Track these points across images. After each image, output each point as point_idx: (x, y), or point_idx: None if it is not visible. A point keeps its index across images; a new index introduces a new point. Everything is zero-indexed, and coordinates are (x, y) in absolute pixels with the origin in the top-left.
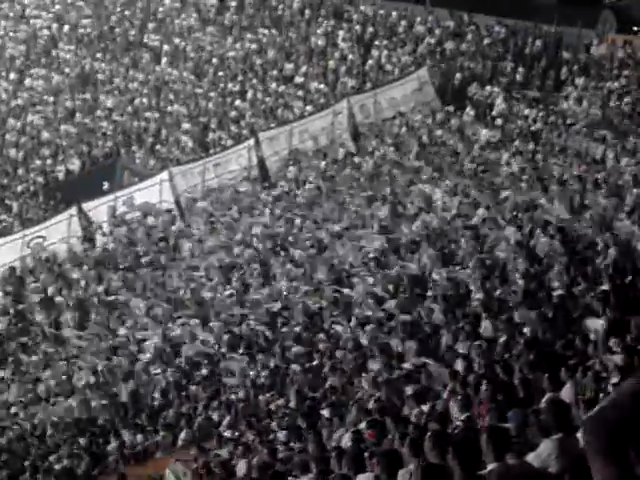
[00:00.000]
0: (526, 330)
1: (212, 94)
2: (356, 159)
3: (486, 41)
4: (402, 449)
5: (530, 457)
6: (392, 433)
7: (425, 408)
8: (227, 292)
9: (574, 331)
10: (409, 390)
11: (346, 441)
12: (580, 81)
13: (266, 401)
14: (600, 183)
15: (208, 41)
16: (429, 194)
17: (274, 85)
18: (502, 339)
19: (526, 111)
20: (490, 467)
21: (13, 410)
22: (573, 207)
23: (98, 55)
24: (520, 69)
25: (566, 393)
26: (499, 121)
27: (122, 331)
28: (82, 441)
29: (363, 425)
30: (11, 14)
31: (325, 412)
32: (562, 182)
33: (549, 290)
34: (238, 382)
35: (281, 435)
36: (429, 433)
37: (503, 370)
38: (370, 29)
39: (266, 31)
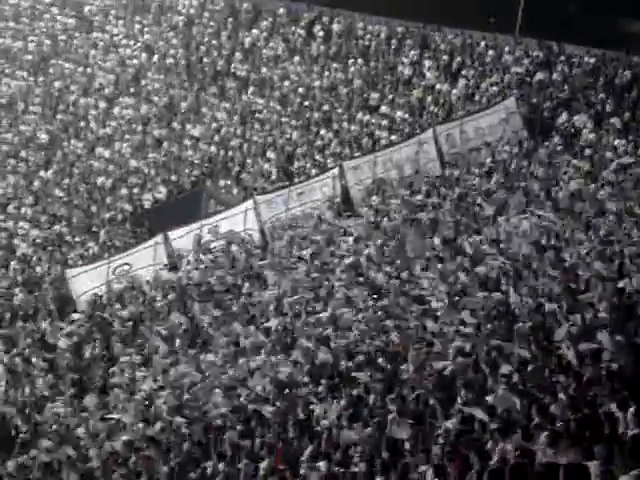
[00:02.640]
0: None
1: (297, 123)
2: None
3: (575, 71)
4: None
5: None
6: (475, 466)
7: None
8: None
9: None
10: (493, 425)
11: (430, 476)
12: None
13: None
14: None
15: (294, 71)
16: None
17: (360, 115)
18: (588, 372)
19: (615, 142)
20: None
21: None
22: None
23: (186, 84)
24: (610, 99)
25: None
26: (588, 151)
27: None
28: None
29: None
30: (101, 43)
31: (407, 445)
32: None
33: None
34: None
35: (362, 467)
36: (510, 466)
37: (588, 405)
38: (458, 58)
39: (352, 60)
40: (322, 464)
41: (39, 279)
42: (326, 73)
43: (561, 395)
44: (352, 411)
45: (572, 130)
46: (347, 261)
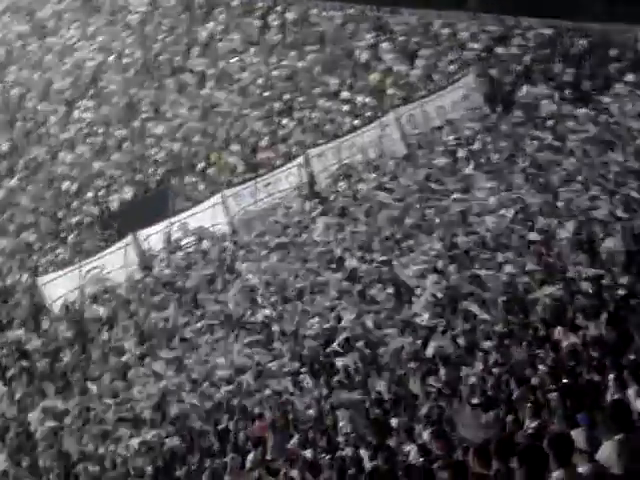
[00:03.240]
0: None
1: (258, 113)
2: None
3: (532, 43)
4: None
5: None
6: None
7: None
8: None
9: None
10: (474, 399)
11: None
12: (630, 77)
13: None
14: None
15: (252, 62)
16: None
17: (321, 101)
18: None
19: (575, 111)
20: (556, 474)
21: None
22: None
23: (144, 83)
24: (568, 70)
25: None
26: (550, 122)
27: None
28: (150, 468)
29: (426, 436)
30: (56, 48)
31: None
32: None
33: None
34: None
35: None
36: (494, 441)
37: (568, 374)
38: (414, 39)
39: (309, 47)
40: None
41: (11, 288)
42: (284, 62)
43: (541, 367)
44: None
45: (533, 102)
46: (320, 248)
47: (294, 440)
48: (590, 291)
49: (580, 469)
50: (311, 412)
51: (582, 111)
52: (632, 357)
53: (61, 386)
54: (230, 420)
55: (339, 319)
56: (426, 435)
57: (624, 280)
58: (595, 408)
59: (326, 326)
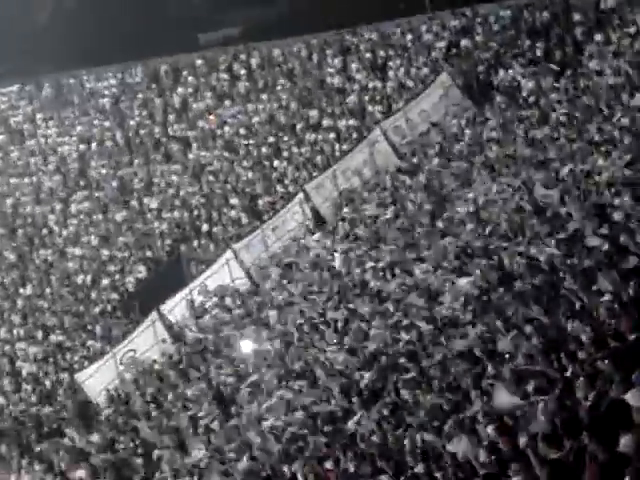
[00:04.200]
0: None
1: (248, 163)
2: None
3: (496, 27)
4: None
5: None
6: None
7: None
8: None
9: None
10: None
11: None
12: (598, 37)
13: None
14: None
15: (230, 114)
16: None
17: (306, 135)
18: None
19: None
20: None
21: None
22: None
23: (132, 161)
24: (538, 44)
25: None
26: (532, 99)
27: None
28: None
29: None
30: (37, 149)
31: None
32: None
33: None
34: None
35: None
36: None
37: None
38: (381, 52)
39: (281, 86)
40: None
41: (53, 391)
42: (260, 107)
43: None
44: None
45: (511, 84)
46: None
47: None
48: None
49: None
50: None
51: (562, 81)
52: None
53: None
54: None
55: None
56: (490, 431)
57: None
58: None
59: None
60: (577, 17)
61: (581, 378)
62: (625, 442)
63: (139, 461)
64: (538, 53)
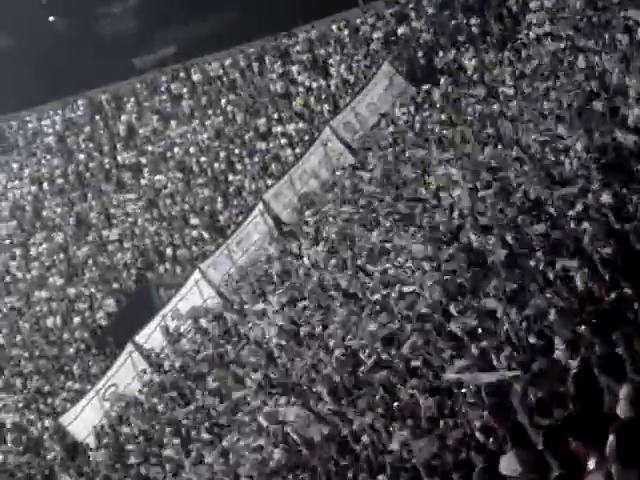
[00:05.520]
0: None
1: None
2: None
3: (430, 10)
4: None
5: None
6: None
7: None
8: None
9: None
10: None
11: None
12: (533, 4)
13: None
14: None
15: (177, 134)
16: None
17: (257, 145)
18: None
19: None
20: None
21: None
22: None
23: (85, 196)
24: (474, 21)
25: None
26: (476, 76)
27: None
28: None
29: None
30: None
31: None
32: None
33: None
34: None
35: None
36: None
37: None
38: (320, 52)
39: (224, 100)
40: None
41: (39, 439)
42: (207, 122)
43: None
44: None
45: (455, 65)
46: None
47: None
48: None
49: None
50: None
51: (505, 53)
52: None
53: None
54: None
55: None
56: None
57: None
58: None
59: None
60: None
61: (562, 346)
62: (624, 393)
63: None
64: (475, 30)
